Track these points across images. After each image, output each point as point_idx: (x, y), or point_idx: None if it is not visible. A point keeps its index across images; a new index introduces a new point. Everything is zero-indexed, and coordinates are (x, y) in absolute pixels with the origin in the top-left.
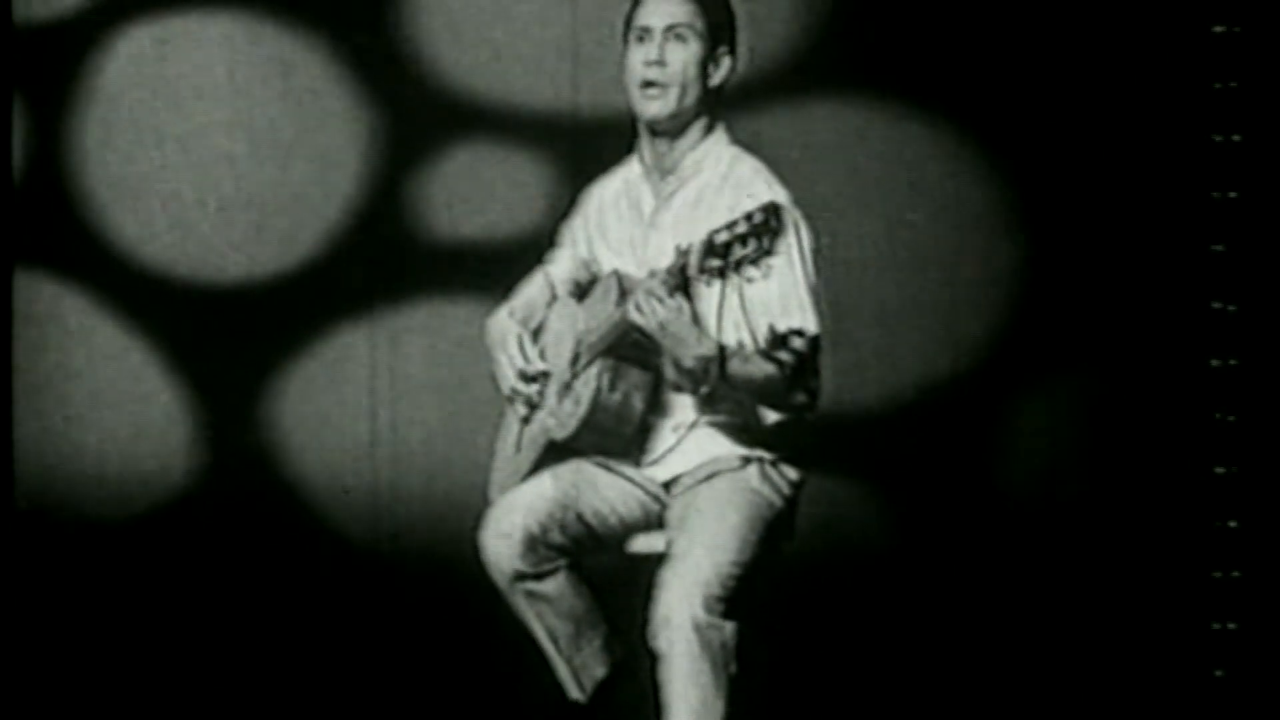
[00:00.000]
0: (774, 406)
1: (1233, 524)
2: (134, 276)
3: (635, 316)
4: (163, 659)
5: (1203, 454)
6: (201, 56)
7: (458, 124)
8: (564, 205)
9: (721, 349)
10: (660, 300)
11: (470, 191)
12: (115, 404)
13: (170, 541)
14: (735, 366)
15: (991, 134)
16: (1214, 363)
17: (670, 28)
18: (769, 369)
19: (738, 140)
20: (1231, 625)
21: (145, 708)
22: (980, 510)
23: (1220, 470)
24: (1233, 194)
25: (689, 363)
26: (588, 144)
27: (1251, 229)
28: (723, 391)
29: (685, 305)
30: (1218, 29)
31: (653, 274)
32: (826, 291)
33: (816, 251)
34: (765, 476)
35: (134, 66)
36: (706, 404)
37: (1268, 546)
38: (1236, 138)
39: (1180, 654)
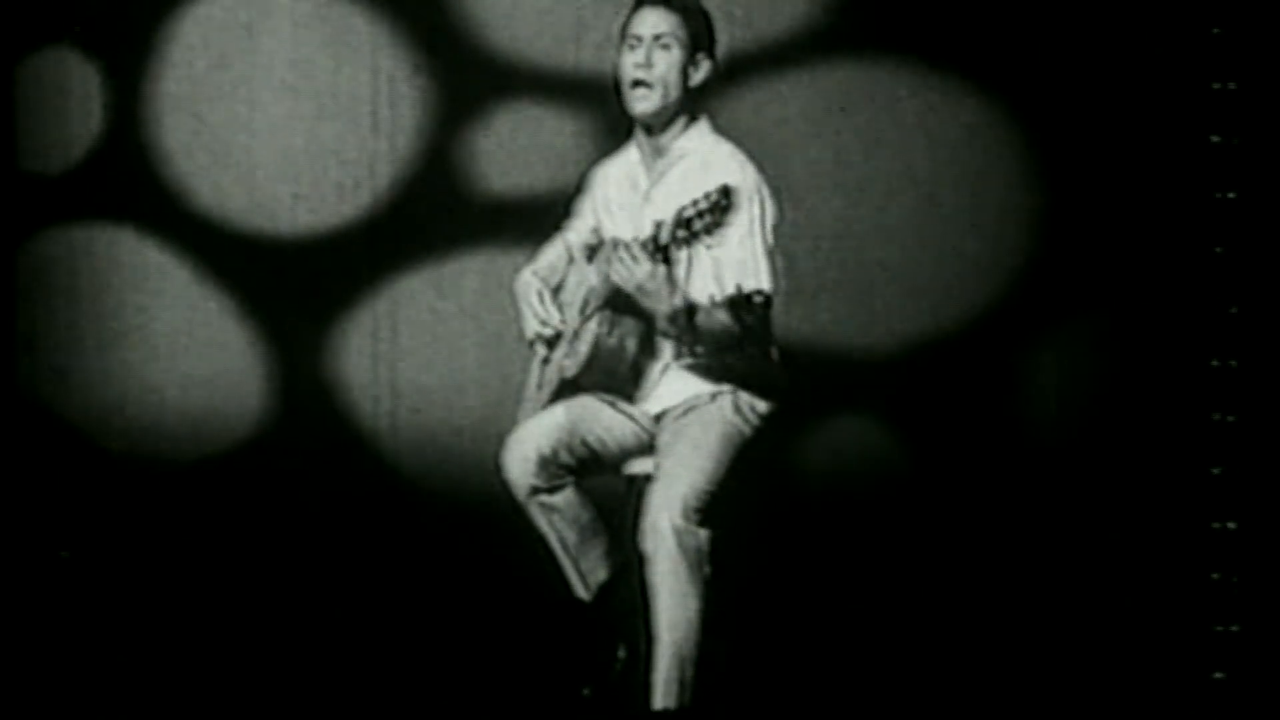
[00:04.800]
0: (734, 346)
1: (1231, 525)
2: (208, 229)
3: (615, 278)
4: (240, 581)
5: (1201, 455)
6: (268, 24)
7: (503, 87)
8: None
9: (689, 305)
10: (638, 263)
11: (514, 150)
12: (192, 348)
13: (245, 476)
14: (701, 319)
15: (995, 132)
16: (1213, 363)
17: (657, 37)
18: (726, 321)
19: (718, 127)
20: (1234, 628)
21: (224, 625)
22: (991, 452)
23: (1218, 471)
24: (1232, 195)
25: (663, 311)
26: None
27: (1251, 230)
28: (695, 333)
29: (661, 269)
30: (1217, 30)
31: (626, 246)
32: (850, 243)
33: (777, 223)
34: (736, 409)
35: (206, 33)
36: (686, 347)
37: (1267, 548)
38: (1235, 139)
39: (1180, 656)
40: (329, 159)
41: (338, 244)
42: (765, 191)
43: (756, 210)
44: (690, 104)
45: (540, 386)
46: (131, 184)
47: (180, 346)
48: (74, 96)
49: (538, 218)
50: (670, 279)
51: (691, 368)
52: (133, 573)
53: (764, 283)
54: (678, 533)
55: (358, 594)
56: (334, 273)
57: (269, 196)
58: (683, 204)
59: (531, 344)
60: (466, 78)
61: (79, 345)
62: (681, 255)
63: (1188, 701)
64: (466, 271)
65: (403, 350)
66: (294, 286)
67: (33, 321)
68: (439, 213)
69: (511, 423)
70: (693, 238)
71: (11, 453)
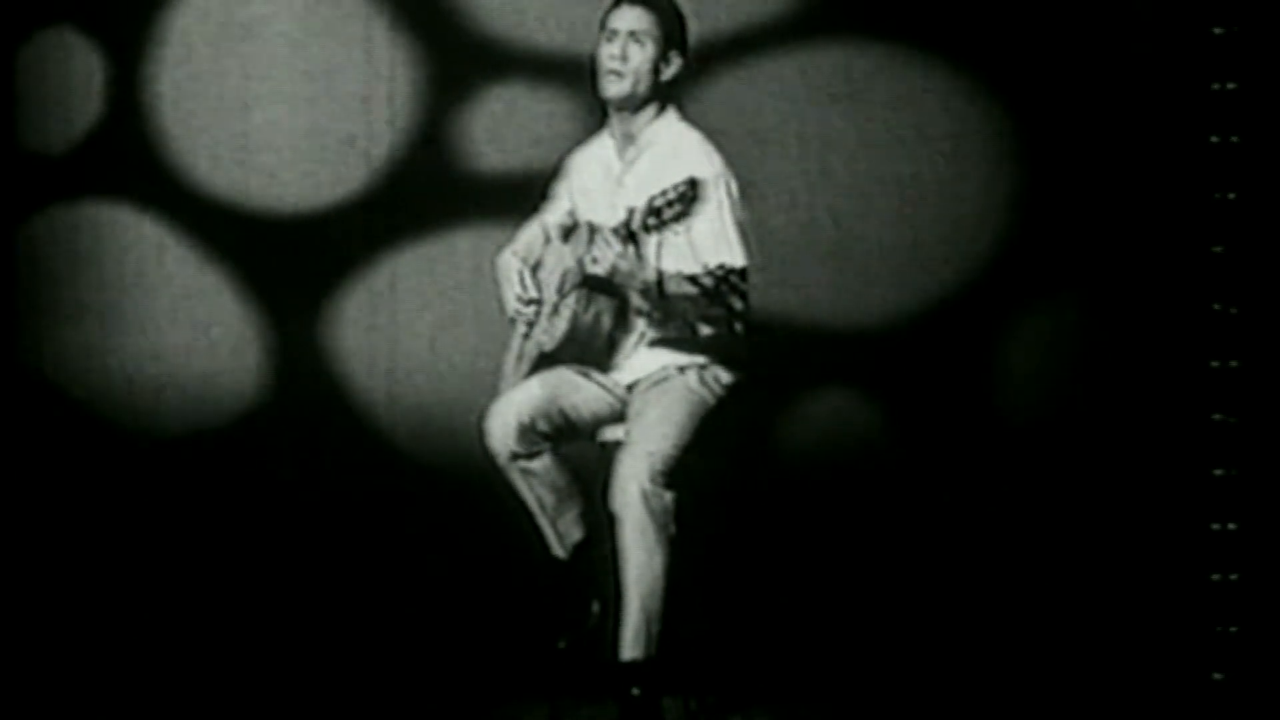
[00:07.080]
0: (702, 320)
1: (1231, 526)
2: (207, 206)
3: (591, 267)
4: (243, 547)
5: (1202, 456)
6: (265, 5)
7: (496, 68)
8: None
9: (660, 274)
10: (610, 247)
11: (505, 128)
12: (191, 324)
13: (243, 448)
14: (672, 287)
15: (992, 128)
16: (1214, 364)
17: (632, 32)
18: (695, 290)
19: (686, 117)
20: (1233, 629)
21: (222, 592)
22: (975, 428)
23: (1219, 472)
24: (1232, 195)
25: (636, 288)
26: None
27: (1251, 230)
28: (666, 307)
29: (631, 249)
30: (1217, 30)
31: (600, 231)
32: (838, 220)
33: (741, 201)
34: (702, 380)
35: (205, 14)
36: (657, 322)
37: (1267, 549)
38: (1235, 139)
39: (1180, 656)
40: (325, 138)
41: (334, 221)
42: (729, 174)
43: (724, 193)
44: (662, 94)
45: (520, 359)
46: (131, 163)
47: (179, 322)
48: (75, 76)
49: (529, 195)
50: (641, 257)
51: (662, 342)
52: (132, 543)
53: (738, 258)
54: (645, 495)
55: (352, 557)
56: (330, 249)
57: (266, 174)
58: (653, 193)
59: (512, 319)
60: (460, 58)
61: (80, 321)
62: (652, 238)
63: (1188, 702)
64: (460, 248)
65: (397, 324)
66: (291, 262)
67: (34, 297)
68: (433, 190)
69: (496, 394)
70: (662, 225)
71: (12, 426)
